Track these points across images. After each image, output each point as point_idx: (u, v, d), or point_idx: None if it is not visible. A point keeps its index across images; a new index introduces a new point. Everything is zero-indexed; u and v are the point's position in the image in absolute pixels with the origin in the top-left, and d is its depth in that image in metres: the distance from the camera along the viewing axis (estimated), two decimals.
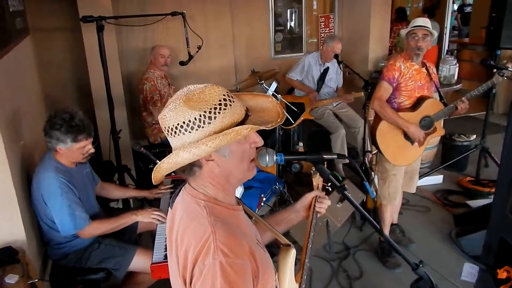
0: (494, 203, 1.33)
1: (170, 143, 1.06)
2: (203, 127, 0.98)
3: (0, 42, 2.05)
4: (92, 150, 2.21)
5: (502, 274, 1.12)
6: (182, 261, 1.01)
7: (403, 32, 2.80)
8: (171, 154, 1.02)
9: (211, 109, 0.98)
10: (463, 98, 2.72)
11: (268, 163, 1.12)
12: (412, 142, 2.81)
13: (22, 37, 2.70)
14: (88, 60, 3.78)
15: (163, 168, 1.05)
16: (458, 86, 4.70)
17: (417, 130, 2.74)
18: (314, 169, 1.48)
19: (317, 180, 1.47)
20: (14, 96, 2.30)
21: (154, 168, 1.07)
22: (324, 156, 1.19)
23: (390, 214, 3.06)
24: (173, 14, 3.30)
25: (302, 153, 1.21)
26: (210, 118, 0.98)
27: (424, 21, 2.74)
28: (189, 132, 0.98)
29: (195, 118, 0.97)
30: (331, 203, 3.05)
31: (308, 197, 1.44)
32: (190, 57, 3.49)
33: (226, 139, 0.97)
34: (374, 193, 3.11)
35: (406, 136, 2.80)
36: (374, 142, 2.88)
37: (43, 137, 2.13)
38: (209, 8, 4.69)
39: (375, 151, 3.01)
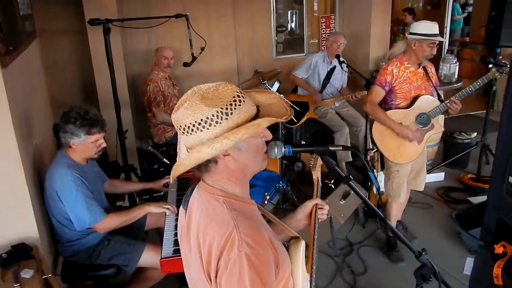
0: (491, 185, 1.38)
1: (184, 142, 1.08)
2: (220, 123, 1.00)
3: (14, 45, 2.10)
4: (105, 145, 2.26)
5: (498, 249, 1.17)
6: (206, 257, 1.03)
7: (413, 36, 2.74)
8: (192, 150, 1.04)
9: (227, 105, 1.01)
10: (452, 98, 2.73)
11: (277, 155, 1.17)
12: (410, 140, 2.84)
13: (31, 40, 2.76)
14: (93, 62, 3.84)
15: (184, 164, 1.06)
16: (458, 84, 4.74)
17: (405, 130, 2.77)
18: (312, 164, 1.53)
19: (316, 174, 1.51)
20: (26, 97, 2.36)
21: (175, 165, 1.08)
22: (330, 148, 1.24)
23: (396, 211, 3.10)
24: (177, 16, 3.36)
25: (308, 145, 1.25)
26: (227, 114, 1.00)
27: (437, 28, 2.75)
28: (207, 128, 1.01)
29: (213, 115, 1.00)
30: (335, 201, 3.12)
31: (308, 205, 1.46)
32: (194, 58, 3.55)
33: (248, 132, 1.00)
34: (373, 188, 3.16)
35: None
36: (373, 141, 2.93)
37: (52, 137, 2.19)
38: (212, 10, 4.74)
39: (375, 149, 3.05)
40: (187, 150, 1.09)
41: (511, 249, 1.17)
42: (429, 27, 2.74)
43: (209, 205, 1.10)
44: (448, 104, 2.72)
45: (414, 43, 2.75)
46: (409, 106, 2.83)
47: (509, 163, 1.22)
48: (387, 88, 2.81)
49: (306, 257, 1.25)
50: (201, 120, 1.00)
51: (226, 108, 1.01)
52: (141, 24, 3.72)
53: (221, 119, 1.00)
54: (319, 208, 1.43)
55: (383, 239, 3.25)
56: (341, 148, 1.25)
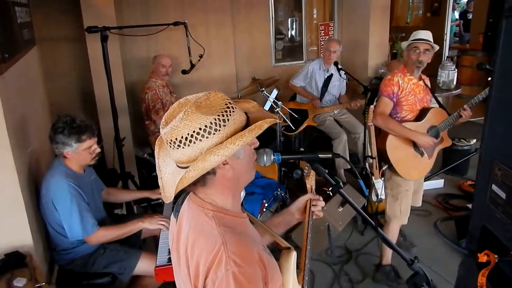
0: (476, 193, 1.37)
1: (179, 156, 1.02)
2: (219, 130, 0.99)
3: (10, 52, 2.12)
4: (99, 150, 2.25)
5: (482, 258, 1.16)
6: (193, 272, 1.03)
7: (404, 44, 2.74)
8: (195, 161, 0.99)
9: (222, 112, 1.01)
10: (465, 106, 2.67)
11: (266, 163, 1.16)
12: (422, 154, 2.75)
13: (29, 48, 2.78)
14: (92, 69, 3.85)
15: (189, 177, 1.02)
16: (457, 91, 4.73)
17: (426, 136, 2.67)
18: (306, 172, 1.52)
19: (310, 182, 1.51)
20: (22, 104, 2.37)
21: (179, 180, 1.03)
22: (319, 156, 1.23)
23: (397, 231, 2.93)
24: (176, 24, 3.37)
25: (298, 153, 1.25)
26: (224, 120, 1.00)
27: (427, 34, 2.65)
28: (206, 137, 0.99)
29: (211, 123, 0.99)
30: (332, 208, 3.08)
31: (302, 200, 1.45)
32: (192, 65, 3.56)
33: (251, 135, 1.00)
34: (371, 195, 3.13)
35: (416, 148, 2.74)
36: (385, 159, 2.77)
37: (49, 144, 2.19)
38: (210, 18, 4.77)
39: (385, 167, 2.89)
40: (178, 167, 1.06)
41: (494, 258, 1.17)
42: (415, 33, 2.69)
43: (198, 219, 1.09)
44: (460, 112, 2.67)
45: (404, 53, 2.74)
46: (418, 119, 2.74)
47: (492, 170, 1.21)
48: (394, 99, 2.69)
49: (298, 264, 1.24)
50: (200, 129, 0.98)
51: (223, 115, 1.00)
52: (140, 31, 3.75)
53: (220, 126, 0.99)
54: (313, 205, 1.41)
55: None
56: (330, 155, 1.24)
